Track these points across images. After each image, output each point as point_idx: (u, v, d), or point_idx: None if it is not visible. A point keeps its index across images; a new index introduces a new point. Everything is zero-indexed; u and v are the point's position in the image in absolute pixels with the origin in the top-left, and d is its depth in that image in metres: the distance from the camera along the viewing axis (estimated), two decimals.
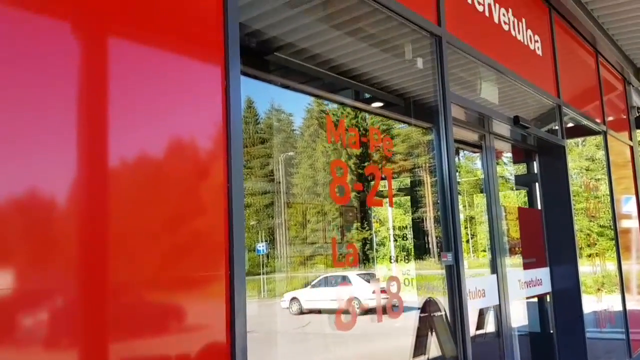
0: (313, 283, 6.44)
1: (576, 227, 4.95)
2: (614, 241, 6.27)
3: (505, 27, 4.19)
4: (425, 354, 3.57)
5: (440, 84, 3.29)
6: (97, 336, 1.47)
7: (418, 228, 5.00)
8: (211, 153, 1.82)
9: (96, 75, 1.55)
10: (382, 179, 2.96)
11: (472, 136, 4.18)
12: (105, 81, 1.57)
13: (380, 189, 2.93)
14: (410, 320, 3.58)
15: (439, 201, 3.38)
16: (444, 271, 3.43)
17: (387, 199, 2.97)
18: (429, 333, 3.58)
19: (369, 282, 3.95)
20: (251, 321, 1.85)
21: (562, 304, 4.78)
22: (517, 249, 4.68)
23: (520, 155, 5.54)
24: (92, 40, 1.56)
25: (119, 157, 1.57)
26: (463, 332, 3.25)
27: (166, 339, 1.63)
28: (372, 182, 2.89)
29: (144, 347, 1.58)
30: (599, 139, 6.52)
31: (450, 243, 3.24)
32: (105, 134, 1.54)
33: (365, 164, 3.31)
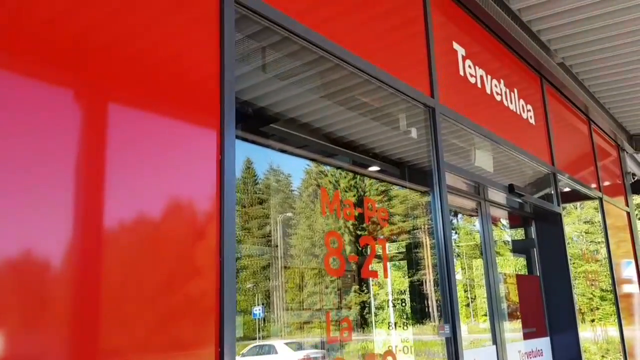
0: (243, 352, 6.28)
1: (577, 291, 4.89)
2: (615, 306, 6.17)
3: (498, 98, 4.29)
4: None
5: (434, 153, 3.33)
6: None
7: (417, 291, 4.94)
8: (204, 217, 1.83)
9: (94, 140, 1.58)
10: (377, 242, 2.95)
11: (468, 204, 4.20)
12: (102, 145, 1.60)
13: (378, 253, 2.91)
14: None
15: (437, 266, 3.35)
16: (443, 340, 3.36)
17: (382, 269, 2.95)
18: None
19: (294, 350, 3.83)
20: None
21: None
22: (517, 313, 4.60)
23: (517, 221, 5.55)
24: (92, 106, 1.60)
25: (114, 220, 1.58)
26: None
27: None
28: (368, 253, 2.88)
29: None
30: (597, 201, 6.55)
31: (448, 315, 3.19)
32: (101, 197, 1.56)
33: (361, 232, 3.31)
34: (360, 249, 2.95)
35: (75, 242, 1.48)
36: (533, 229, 5.19)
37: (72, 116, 1.54)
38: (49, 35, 1.52)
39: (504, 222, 5.93)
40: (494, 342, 3.92)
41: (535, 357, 4.41)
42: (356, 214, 2.86)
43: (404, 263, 5.61)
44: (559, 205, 4.90)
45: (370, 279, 6.53)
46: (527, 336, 4.49)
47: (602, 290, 6.60)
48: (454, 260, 3.31)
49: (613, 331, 6.16)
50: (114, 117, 1.65)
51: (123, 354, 1.54)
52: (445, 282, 3.18)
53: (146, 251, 1.65)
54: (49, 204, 1.44)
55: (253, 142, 3.56)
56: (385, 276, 2.97)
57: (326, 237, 2.65)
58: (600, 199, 6.22)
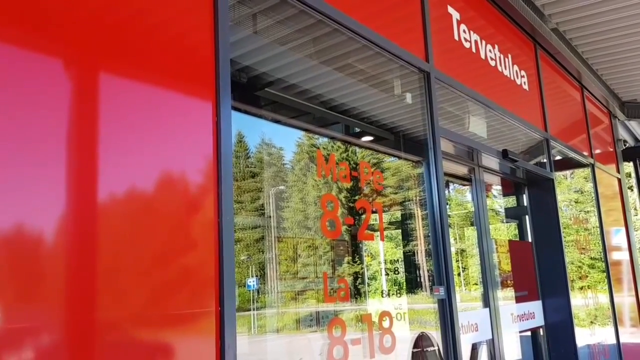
0: None
1: (567, 259, 4.95)
2: (605, 273, 6.27)
3: (492, 63, 4.27)
4: None
5: (429, 118, 3.33)
6: None
7: (409, 261, 4.97)
8: (202, 188, 1.82)
9: (87, 111, 1.55)
10: (373, 212, 2.96)
11: (461, 169, 4.21)
12: (96, 117, 1.57)
13: (372, 223, 2.92)
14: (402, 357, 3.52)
15: (430, 234, 3.38)
16: (436, 305, 3.41)
17: (379, 233, 2.97)
18: None
19: None
20: (242, 358, 1.81)
21: (555, 338, 4.74)
22: (508, 281, 4.66)
23: (510, 188, 5.58)
24: (84, 76, 1.57)
25: (109, 192, 1.56)
26: None
27: None
28: (363, 216, 2.89)
29: None
30: (587, 171, 6.61)
31: (442, 276, 3.23)
32: (96, 168, 1.54)
33: (356, 197, 3.32)
34: (355, 212, 2.96)
35: (68, 214, 1.46)
36: (525, 197, 5.23)
37: (61, 85, 1.50)
38: (35, 1, 1.47)
39: (496, 192, 5.97)
40: (487, 305, 3.97)
41: (527, 319, 4.48)
42: (352, 177, 2.86)
43: (396, 234, 5.65)
44: (551, 171, 4.94)
45: (364, 247, 6.55)
46: (519, 300, 4.56)
47: (591, 258, 6.69)
48: (448, 222, 3.34)
49: (601, 298, 6.28)
50: (105, 86, 1.61)
51: (122, 325, 1.54)
52: (440, 243, 3.21)
53: (144, 223, 1.63)
54: (41, 176, 1.42)
55: (245, 112, 3.53)
56: (382, 239, 2.99)
57: (322, 200, 2.66)
58: (592, 166, 6.27)
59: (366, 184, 2.95)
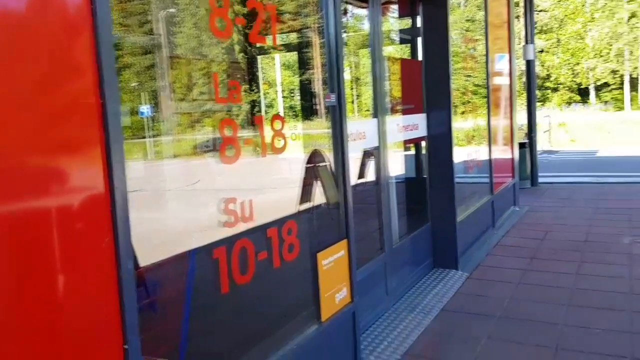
0: None
1: (452, 83, 5.20)
2: (486, 99, 6.74)
3: None
4: (310, 201, 3.73)
5: None
6: None
7: (306, 89, 5.01)
8: (76, 10, 1.66)
9: None
10: (266, 16, 2.85)
11: None
12: None
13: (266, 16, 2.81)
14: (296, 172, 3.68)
15: (325, 52, 3.36)
16: (330, 130, 3.51)
17: (271, 37, 2.89)
18: (314, 182, 3.72)
19: None
20: (138, 181, 1.81)
21: (435, 147, 5.15)
22: (398, 108, 4.87)
23: (406, 8, 5.59)
24: None
25: None
26: (344, 173, 3.42)
27: (48, 198, 1.60)
28: (255, 19, 2.79)
29: (25, 206, 1.54)
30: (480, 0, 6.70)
31: (334, 84, 3.30)
32: None
33: None
34: (247, 14, 2.84)
35: None
36: (420, 18, 5.27)
37: None
38: None
39: (392, 18, 5.96)
40: (375, 116, 4.15)
41: (411, 130, 4.79)
42: None
43: (293, 60, 5.59)
44: None
45: (262, 75, 6.49)
46: (405, 112, 4.82)
47: (474, 85, 7.12)
48: (342, 27, 3.32)
49: (480, 122, 6.83)
50: None
51: (8, 152, 1.48)
52: (332, 51, 3.22)
53: (13, 47, 1.49)
54: None
55: None
56: (274, 44, 2.93)
57: None
58: None
59: None
